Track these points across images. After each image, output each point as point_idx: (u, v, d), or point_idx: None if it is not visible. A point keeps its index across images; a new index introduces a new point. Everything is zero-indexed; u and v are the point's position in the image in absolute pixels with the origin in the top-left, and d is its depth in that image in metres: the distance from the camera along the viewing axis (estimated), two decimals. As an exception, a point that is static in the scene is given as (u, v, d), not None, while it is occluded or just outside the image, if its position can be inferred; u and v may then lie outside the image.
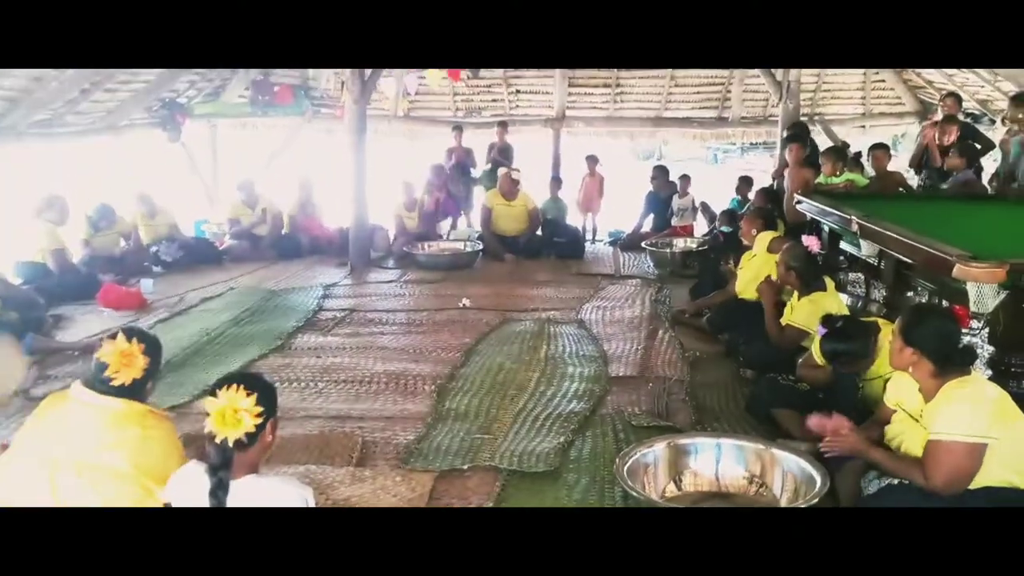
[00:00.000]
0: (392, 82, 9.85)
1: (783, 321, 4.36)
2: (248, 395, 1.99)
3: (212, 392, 2.02)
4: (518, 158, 9.95)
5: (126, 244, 7.61)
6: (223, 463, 1.98)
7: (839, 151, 6.82)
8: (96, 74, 7.89)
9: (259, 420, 2.00)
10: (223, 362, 4.81)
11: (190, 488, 2.03)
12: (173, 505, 2.09)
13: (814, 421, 2.91)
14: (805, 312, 4.12)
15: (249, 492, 2.01)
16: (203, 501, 1.98)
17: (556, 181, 9.43)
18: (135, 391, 2.36)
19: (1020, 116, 5.73)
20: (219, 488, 1.97)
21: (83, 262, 7.05)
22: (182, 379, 4.51)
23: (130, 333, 2.41)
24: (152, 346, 2.43)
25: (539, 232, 8.60)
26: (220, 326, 5.62)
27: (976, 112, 9.41)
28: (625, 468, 2.95)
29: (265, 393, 2.07)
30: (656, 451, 3.14)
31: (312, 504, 2.08)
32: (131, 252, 7.58)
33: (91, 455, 2.23)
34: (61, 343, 5.29)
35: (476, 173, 9.95)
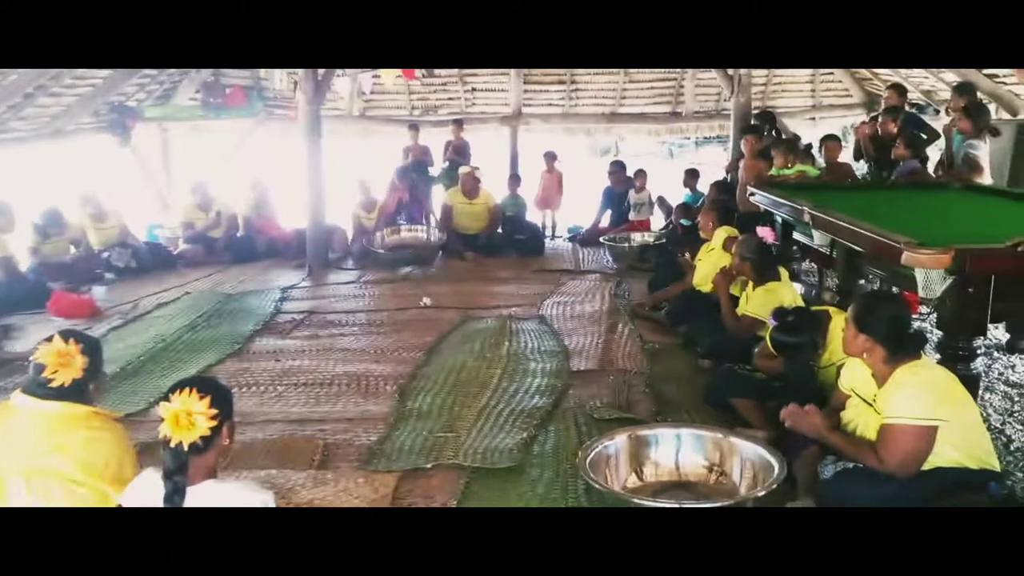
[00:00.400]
0: (347, 82, 9.77)
1: (739, 311, 4.43)
2: (202, 398, 1.96)
3: (166, 397, 2.00)
4: (475, 156, 9.95)
5: (76, 250, 7.43)
6: (178, 468, 1.96)
7: (790, 143, 6.95)
8: (40, 78, 7.69)
9: (214, 423, 1.98)
10: (179, 368, 4.73)
11: (147, 495, 2.00)
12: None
13: (786, 411, 2.95)
14: (760, 301, 4.19)
15: (208, 497, 1.98)
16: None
17: (515, 179, 9.44)
18: (76, 393, 2.32)
19: (962, 105, 5.88)
20: (175, 493, 1.94)
21: (32, 270, 6.88)
22: (137, 387, 4.43)
23: (67, 334, 2.37)
24: (91, 347, 2.40)
25: (499, 230, 8.62)
26: (175, 332, 5.52)
27: (921, 102, 9.64)
28: (587, 461, 2.97)
29: (220, 396, 2.05)
30: (617, 443, 3.15)
31: (269, 503, 2.05)
32: (82, 258, 7.42)
33: (37, 461, 2.19)
34: (10, 353, 5.16)
35: (434, 171, 9.92)
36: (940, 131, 6.72)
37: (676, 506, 2.73)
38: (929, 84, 9.26)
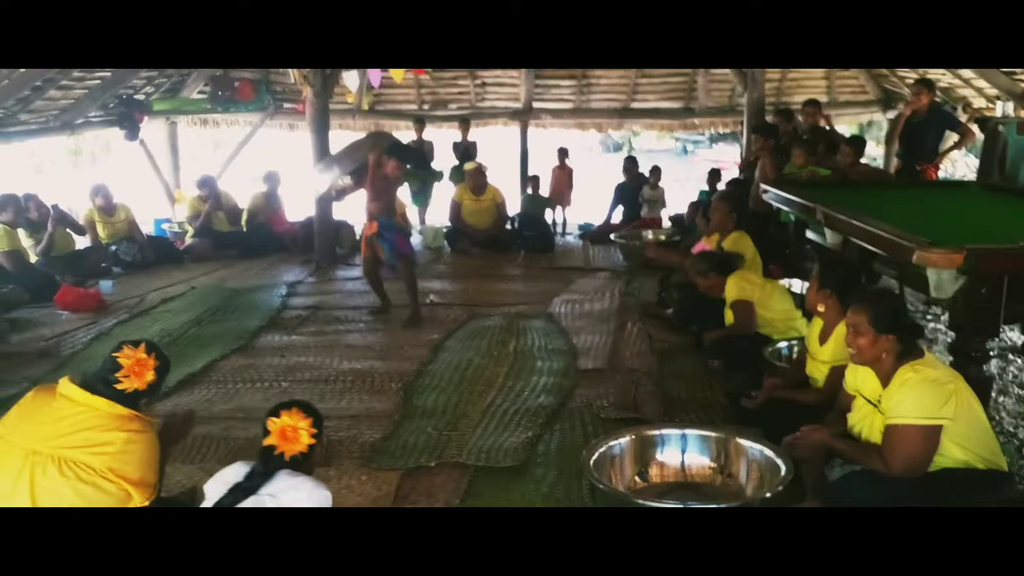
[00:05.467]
0: (355, 76, 9.73)
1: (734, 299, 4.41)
2: (305, 418, 2.25)
3: (275, 412, 2.26)
4: (486, 151, 9.91)
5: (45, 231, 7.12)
6: (265, 473, 2.19)
7: (810, 144, 6.83)
8: (49, 70, 7.69)
9: (313, 442, 2.26)
10: (184, 363, 4.71)
11: (232, 481, 2.21)
12: (209, 493, 2.23)
13: (787, 441, 2.89)
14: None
15: (286, 482, 2.19)
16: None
17: (534, 179, 9.39)
18: (130, 400, 2.40)
19: None
20: (249, 492, 2.16)
21: (39, 263, 6.89)
22: (141, 381, 4.41)
23: (152, 348, 2.49)
24: (163, 367, 2.52)
25: (508, 226, 8.58)
26: (181, 327, 5.52)
27: (938, 100, 9.52)
28: (592, 461, 2.93)
29: (319, 418, 2.32)
30: (622, 443, 3.11)
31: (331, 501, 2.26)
32: (90, 252, 7.42)
33: (74, 453, 2.26)
34: (17, 346, 5.16)
35: (436, 165, 9.89)
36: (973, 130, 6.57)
37: (680, 506, 2.67)
38: (946, 81, 9.13)
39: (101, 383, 2.38)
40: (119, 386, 2.37)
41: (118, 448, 2.29)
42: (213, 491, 2.21)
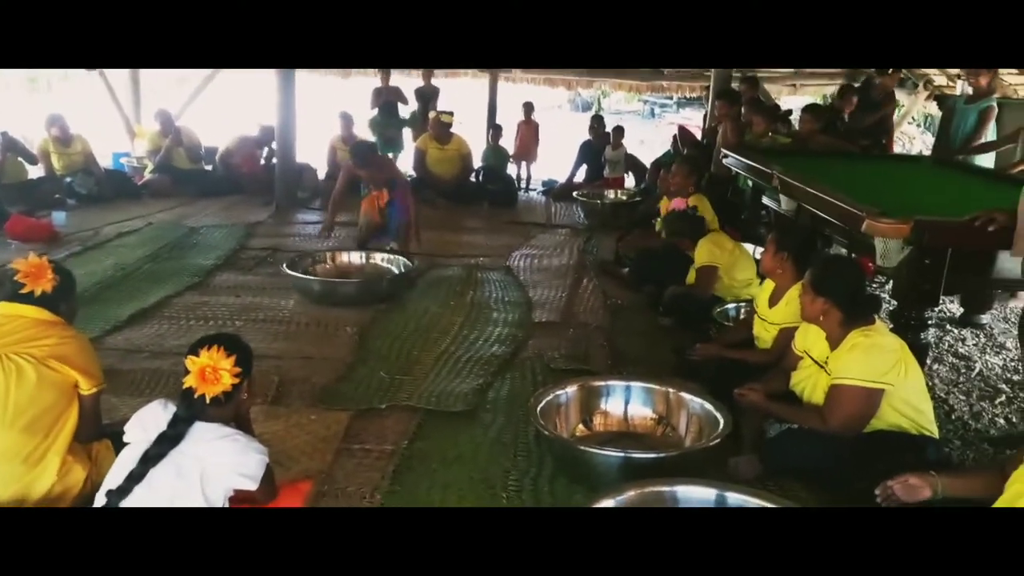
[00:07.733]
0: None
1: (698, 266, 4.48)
2: (228, 356, 2.11)
3: (193, 351, 2.13)
4: (454, 103, 9.81)
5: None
6: (189, 417, 2.09)
7: (770, 111, 6.90)
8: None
9: (236, 381, 2.13)
10: (137, 297, 4.69)
11: (151, 425, 2.11)
12: (129, 435, 2.15)
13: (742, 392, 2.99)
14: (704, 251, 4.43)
15: (211, 433, 2.09)
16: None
17: (496, 128, 9.33)
18: (49, 303, 2.50)
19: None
20: (176, 439, 2.06)
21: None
22: (93, 313, 4.37)
23: (47, 260, 2.58)
24: (62, 271, 2.58)
25: (473, 178, 8.55)
26: (136, 261, 5.46)
27: (903, 76, 9.63)
28: (538, 408, 3.00)
29: (243, 355, 2.19)
30: (568, 392, 3.19)
31: (266, 461, 2.15)
32: (43, 182, 7.25)
33: (15, 348, 2.37)
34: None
35: (405, 113, 9.78)
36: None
37: (622, 455, 2.76)
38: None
39: (16, 295, 2.48)
40: (24, 290, 2.46)
41: (55, 341, 2.41)
42: (134, 435, 2.12)
